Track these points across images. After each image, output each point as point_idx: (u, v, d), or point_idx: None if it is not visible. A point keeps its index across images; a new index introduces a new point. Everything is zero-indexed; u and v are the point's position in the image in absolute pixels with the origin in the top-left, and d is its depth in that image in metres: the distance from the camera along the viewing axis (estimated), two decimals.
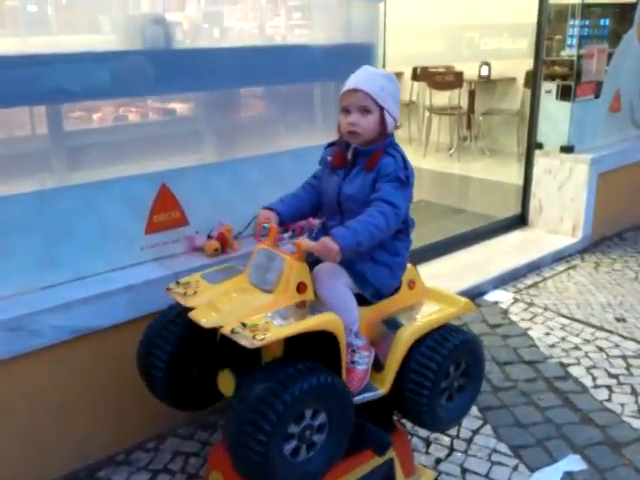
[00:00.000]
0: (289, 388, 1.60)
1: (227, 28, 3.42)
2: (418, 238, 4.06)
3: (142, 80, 2.47)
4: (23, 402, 2.16)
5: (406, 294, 2.11)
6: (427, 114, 7.53)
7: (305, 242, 1.85)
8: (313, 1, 3.49)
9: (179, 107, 3.03)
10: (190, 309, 1.83)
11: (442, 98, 7.47)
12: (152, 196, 2.48)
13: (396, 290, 2.08)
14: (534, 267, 4.22)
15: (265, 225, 1.99)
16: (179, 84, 2.57)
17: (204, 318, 1.75)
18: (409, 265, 2.13)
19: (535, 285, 3.99)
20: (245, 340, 1.60)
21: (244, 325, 1.64)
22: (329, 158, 2.08)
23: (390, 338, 1.98)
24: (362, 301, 1.97)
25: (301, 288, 1.82)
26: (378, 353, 1.99)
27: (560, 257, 4.41)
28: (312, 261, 1.90)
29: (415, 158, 7.19)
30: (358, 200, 1.94)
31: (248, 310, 1.74)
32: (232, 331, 1.64)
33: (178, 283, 1.97)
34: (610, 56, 4.76)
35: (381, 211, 1.85)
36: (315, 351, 1.79)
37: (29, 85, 2.16)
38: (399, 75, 8.13)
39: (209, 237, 2.57)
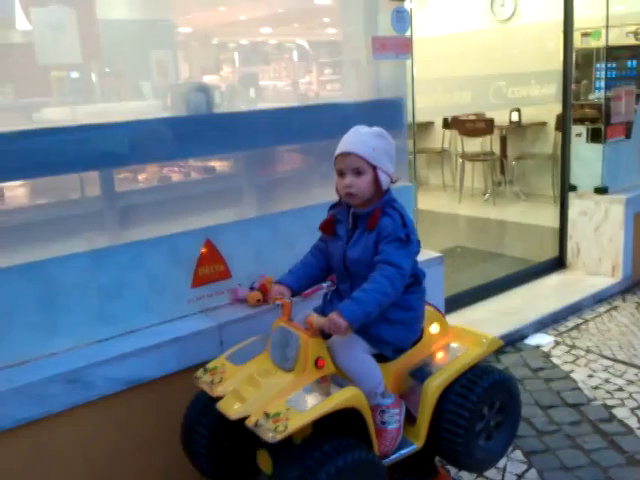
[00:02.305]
0: (324, 466, 1.66)
1: (262, 88, 3.61)
2: (456, 284, 4.16)
3: (185, 144, 2.64)
4: (79, 453, 2.26)
5: (430, 340, 2.16)
6: (460, 161, 7.64)
7: (316, 319, 1.88)
8: (343, 59, 3.67)
9: (219, 165, 3.20)
10: (219, 397, 1.91)
11: (474, 144, 7.58)
12: (197, 251, 2.61)
13: (418, 340, 2.12)
14: (575, 309, 4.20)
15: (278, 302, 2.05)
16: (219, 146, 2.74)
17: (231, 410, 1.83)
18: (431, 309, 2.18)
19: (576, 327, 3.97)
20: (267, 434, 1.67)
21: (267, 415, 1.72)
22: (327, 222, 2.16)
23: (418, 389, 2.01)
24: (384, 357, 2.02)
25: (319, 363, 1.88)
26: (409, 405, 2.03)
27: (601, 298, 4.38)
28: (327, 333, 1.92)
29: (450, 204, 7.34)
30: (363, 263, 1.99)
31: (271, 396, 1.81)
32: (256, 424, 1.71)
33: (205, 370, 2.06)
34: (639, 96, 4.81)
35: (385, 274, 1.89)
36: (344, 420, 1.83)
37: (81, 153, 2.34)
38: (430, 125, 8.30)
39: (251, 288, 2.67)
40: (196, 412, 2.05)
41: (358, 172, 1.99)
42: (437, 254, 3.34)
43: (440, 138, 8.10)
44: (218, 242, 2.67)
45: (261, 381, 1.89)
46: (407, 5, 3.17)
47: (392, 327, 2.01)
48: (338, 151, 2.03)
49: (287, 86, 4.12)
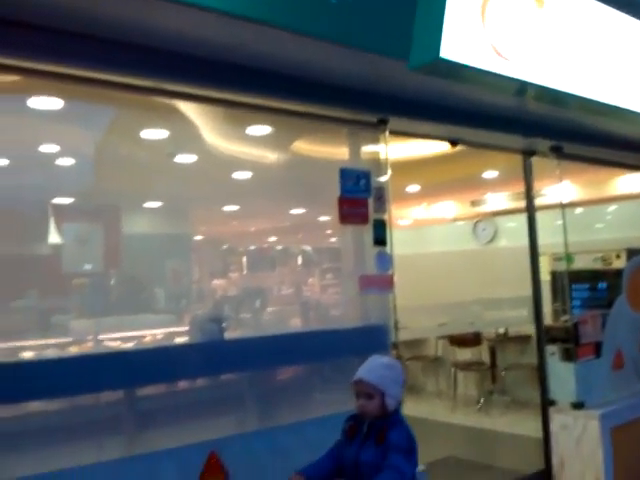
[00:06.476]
0: None
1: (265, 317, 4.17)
2: None
3: (199, 365, 3.11)
4: None
5: None
6: (453, 369, 8.01)
7: None
8: (340, 295, 4.25)
9: (226, 380, 3.62)
10: None
11: (466, 353, 8.02)
12: (202, 462, 2.94)
13: None
14: None
15: None
16: (229, 367, 3.21)
17: None
18: None
19: None
20: None
21: None
22: (347, 429, 2.60)
23: None
24: None
25: None
26: None
27: None
28: None
29: (445, 412, 7.57)
30: (372, 466, 2.41)
31: None
32: None
33: None
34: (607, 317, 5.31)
35: (391, 476, 2.33)
36: None
37: (110, 376, 2.79)
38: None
39: None
40: None
41: (369, 396, 2.50)
42: (421, 469, 3.61)
43: (434, 347, 8.56)
44: (222, 453, 3.00)
45: None
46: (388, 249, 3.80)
47: None
48: (355, 377, 2.55)
49: (290, 317, 4.67)
